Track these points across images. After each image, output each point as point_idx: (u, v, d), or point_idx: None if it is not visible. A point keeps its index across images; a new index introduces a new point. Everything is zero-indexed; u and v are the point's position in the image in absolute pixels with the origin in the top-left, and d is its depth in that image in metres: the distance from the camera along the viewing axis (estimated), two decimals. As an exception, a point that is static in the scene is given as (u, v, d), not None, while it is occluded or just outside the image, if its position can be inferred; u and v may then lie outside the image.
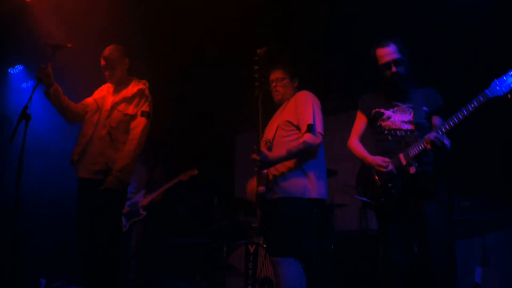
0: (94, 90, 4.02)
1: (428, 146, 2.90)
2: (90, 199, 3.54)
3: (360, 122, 3.35)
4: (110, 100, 3.80)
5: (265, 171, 3.34)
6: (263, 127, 3.57)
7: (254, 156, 3.24)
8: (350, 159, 3.75)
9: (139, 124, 3.70)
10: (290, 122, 3.41)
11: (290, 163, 3.33)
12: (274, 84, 3.64)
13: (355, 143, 3.31)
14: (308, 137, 3.28)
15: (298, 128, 3.39)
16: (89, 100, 3.86)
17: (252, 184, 3.45)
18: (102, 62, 3.80)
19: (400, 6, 4.93)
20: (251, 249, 4.87)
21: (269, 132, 3.55)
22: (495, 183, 4.55)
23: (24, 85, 6.26)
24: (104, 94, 3.86)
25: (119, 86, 3.85)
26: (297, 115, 3.39)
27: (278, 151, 3.34)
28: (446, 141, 2.90)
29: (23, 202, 3.14)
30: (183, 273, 5.78)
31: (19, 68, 6.25)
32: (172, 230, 6.08)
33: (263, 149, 3.33)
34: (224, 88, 6.39)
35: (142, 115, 3.73)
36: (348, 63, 5.63)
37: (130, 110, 3.73)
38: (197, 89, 6.74)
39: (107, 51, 3.79)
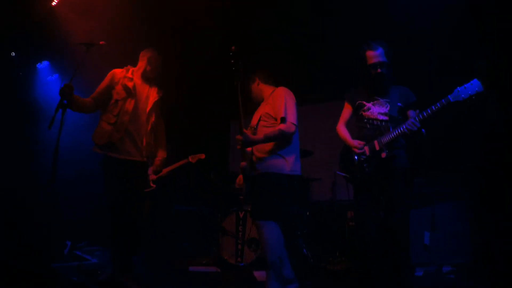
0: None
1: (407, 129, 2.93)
2: (129, 174, 3.53)
3: (347, 110, 3.41)
4: (145, 94, 3.70)
5: (248, 149, 3.40)
6: (251, 113, 3.64)
7: (238, 136, 3.28)
8: (324, 142, 3.74)
9: (162, 123, 3.86)
10: (269, 114, 3.43)
11: (270, 148, 3.37)
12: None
13: (341, 128, 3.39)
14: (283, 126, 3.30)
15: (275, 119, 3.41)
16: (104, 87, 3.61)
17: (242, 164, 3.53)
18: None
19: (377, 14, 4.87)
20: (241, 215, 4.88)
21: (254, 120, 3.58)
22: (443, 164, 4.63)
23: (49, 78, 6.07)
24: (135, 82, 3.68)
25: (146, 79, 3.75)
26: (274, 109, 3.40)
27: (259, 135, 3.39)
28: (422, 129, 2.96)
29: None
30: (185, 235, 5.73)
31: (45, 63, 6.06)
32: (175, 200, 6.00)
33: (246, 131, 3.35)
34: (221, 78, 6.21)
35: (161, 117, 3.86)
36: (326, 65, 5.54)
37: (159, 112, 3.81)
38: (198, 78, 6.56)
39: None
